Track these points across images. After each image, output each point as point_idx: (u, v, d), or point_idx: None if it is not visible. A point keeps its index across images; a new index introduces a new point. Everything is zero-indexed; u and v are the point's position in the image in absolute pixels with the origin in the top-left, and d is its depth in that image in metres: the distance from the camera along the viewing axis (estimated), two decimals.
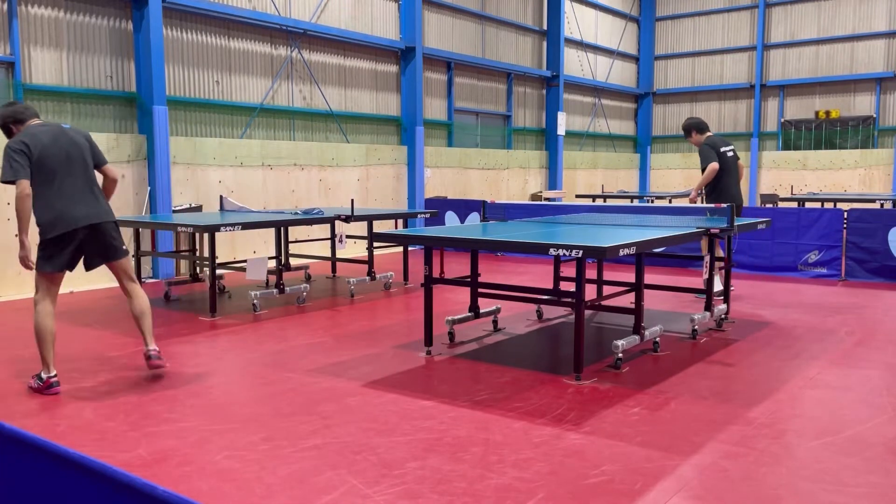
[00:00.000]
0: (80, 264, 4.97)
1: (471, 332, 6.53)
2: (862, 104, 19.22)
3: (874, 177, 18.71)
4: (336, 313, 7.49)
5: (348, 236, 9.00)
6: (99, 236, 4.89)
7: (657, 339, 5.83)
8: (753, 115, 20.73)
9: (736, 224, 6.37)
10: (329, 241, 9.84)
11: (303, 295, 7.99)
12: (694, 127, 8.44)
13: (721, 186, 8.18)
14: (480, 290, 6.33)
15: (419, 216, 9.74)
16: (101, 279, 9.34)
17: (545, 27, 18.11)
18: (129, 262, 5.13)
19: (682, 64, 22.12)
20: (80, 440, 3.91)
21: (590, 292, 6.69)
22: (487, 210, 7.18)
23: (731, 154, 8.29)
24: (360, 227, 11.09)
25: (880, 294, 8.50)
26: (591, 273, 7.05)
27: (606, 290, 7.25)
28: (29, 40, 8.86)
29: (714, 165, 8.10)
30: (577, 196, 18.02)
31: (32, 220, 4.66)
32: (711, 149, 8.20)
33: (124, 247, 5.05)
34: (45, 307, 4.77)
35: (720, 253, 8.04)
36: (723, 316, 6.85)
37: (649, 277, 6.44)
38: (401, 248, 11.00)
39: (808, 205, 13.57)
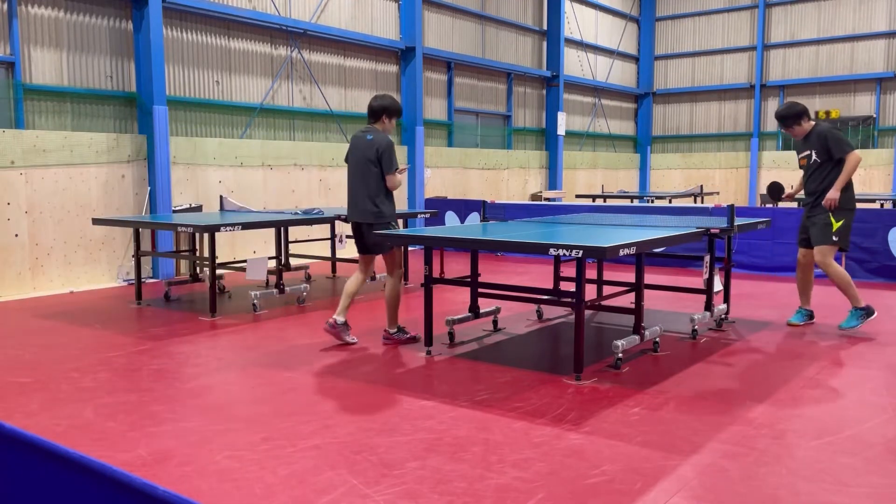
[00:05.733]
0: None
1: (471, 332, 6.53)
2: (862, 104, 19.21)
3: (874, 177, 18.70)
4: None
5: (348, 236, 8.98)
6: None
7: (657, 339, 5.83)
8: (753, 115, 20.72)
9: (735, 224, 6.37)
10: (329, 241, 9.85)
11: (303, 295, 7.99)
12: (805, 113, 6.62)
13: (849, 184, 6.54)
14: (480, 290, 6.33)
15: (419, 216, 9.74)
16: (100, 279, 9.35)
17: (545, 27, 18.10)
18: (390, 256, 6.05)
19: (682, 64, 22.11)
20: (80, 440, 3.91)
21: (590, 292, 6.68)
22: (487, 210, 7.18)
23: None
24: None
25: (880, 294, 8.49)
26: (591, 273, 7.05)
27: (606, 290, 7.24)
28: (29, 40, 8.85)
29: (858, 154, 6.36)
30: (577, 196, 18.02)
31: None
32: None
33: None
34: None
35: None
36: (723, 316, 6.85)
37: (649, 277, 6.44)
38: (401, 249, 10.97)
39: None
